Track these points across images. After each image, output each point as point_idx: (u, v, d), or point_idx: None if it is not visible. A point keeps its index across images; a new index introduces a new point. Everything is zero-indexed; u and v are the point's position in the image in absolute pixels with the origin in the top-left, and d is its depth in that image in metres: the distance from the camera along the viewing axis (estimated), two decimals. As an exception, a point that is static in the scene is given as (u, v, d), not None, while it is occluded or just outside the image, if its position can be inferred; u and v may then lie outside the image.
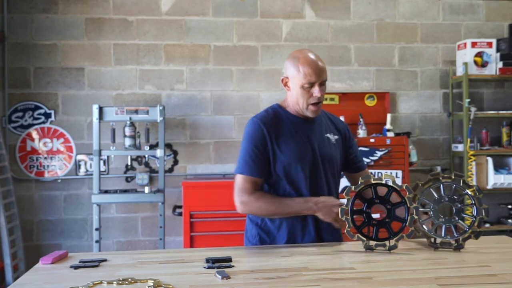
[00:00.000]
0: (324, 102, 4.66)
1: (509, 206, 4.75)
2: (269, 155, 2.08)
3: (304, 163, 2.08)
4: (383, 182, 1.91)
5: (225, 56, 4.65)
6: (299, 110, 2.12)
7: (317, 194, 2.10)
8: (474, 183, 4.54)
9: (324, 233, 2.12)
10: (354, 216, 1.90)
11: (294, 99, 2.10)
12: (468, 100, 4.57)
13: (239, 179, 2.08)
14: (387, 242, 1.86)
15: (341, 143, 2.23)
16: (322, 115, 2.22)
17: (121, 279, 1.49)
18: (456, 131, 4.88)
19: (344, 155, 2.25)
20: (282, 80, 2.14)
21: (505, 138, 4.79)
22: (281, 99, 2.26)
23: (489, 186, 4.55)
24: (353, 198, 1.91)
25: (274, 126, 2.10)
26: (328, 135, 2.19)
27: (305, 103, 2.08)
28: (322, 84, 2.07)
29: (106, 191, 4.24)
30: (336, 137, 2.21)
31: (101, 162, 4.44)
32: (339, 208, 1.91)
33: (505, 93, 4.99)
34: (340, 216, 1.90)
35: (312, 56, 2.07)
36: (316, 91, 2.05)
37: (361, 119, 4.56)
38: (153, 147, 4.46)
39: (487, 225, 4.59)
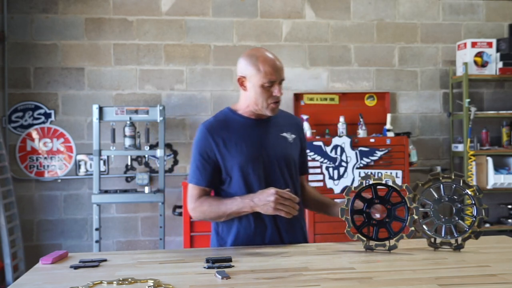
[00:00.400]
0: (324, 102, 4.74)
1: (509, 206, 4.75)
2: (218, 162, 2.07)
3: (257, 165, 2.05)
4: (383, 182, 1.91)
5: (225, 56, 4.65)
6: (257, 110, 2.09)
7: None
8: (474, 183, 4.53)
9: (283, 234, 2.08)
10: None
11: (252, 99, 2.06)
12: (468, 100, 4.57)
13: (189, 187, 2.11)
14: (387, 242, 1.86)
15: (298, 143, 2.20)
16: (279, 114, 2.18)
17: (121, 279, 1.49)
18: (456, 131, 4.88)
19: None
20: (239, 79, 2.09)
21: (505, 138, 4.79)
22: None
23: (489, 186, 4.55)
24: (353, 198, 1.91)
25: (222, 131, 2.08)
26: (284, 134, 2.15)
27: (265, 103, 2.05)
28: (280, 83, 2.06)
29: (106, 191, 4.24)
30: (293, 136, 2.18)
31: (101, 162, 4.44)
32: (275, 197, 1.89)
33: (505, 93, 4.99)
34: (340, 216, 1.90)
35: (270, 55, 2.05)
36: (276, 90, 2.03)
37: (361, 119, 4.56)
38: (153, 147, 4.46)
39: (487, 225, 4.59)
